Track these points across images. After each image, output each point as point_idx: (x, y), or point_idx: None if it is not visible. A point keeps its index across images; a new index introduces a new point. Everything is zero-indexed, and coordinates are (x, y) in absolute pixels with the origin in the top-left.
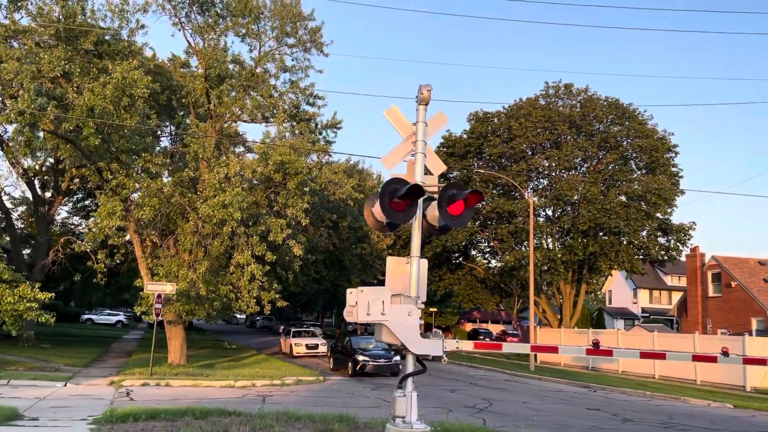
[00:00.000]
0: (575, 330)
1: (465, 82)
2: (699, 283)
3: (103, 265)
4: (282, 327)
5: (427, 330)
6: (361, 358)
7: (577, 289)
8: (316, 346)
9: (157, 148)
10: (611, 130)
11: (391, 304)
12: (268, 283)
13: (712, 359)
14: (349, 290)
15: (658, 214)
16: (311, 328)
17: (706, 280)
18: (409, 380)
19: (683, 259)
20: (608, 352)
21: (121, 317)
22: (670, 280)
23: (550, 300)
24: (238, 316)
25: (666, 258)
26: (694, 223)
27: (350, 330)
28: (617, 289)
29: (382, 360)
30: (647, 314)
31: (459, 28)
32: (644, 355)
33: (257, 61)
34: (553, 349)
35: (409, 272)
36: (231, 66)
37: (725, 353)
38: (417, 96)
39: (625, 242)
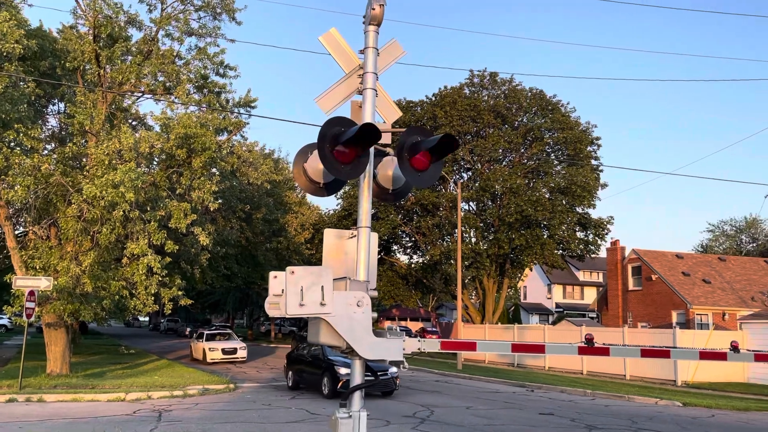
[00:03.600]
0: (500, 326)
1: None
2: (620, 277)
3: None
4: (189, 329)
5: None
6: (343, 371)
7: (499, 284)
8: (234, 351)
9: (39, 121)
10: (535, 122)
11: (333, 290)
12: (170, 279)
13: (721, 356)
14: (273, 274)
15: (579, 208)
16: (227, 330)
17: (626, 274)
18: (357, 395)
19: (601, 254)
20: (604, 351)
21: (5, 320)
22: (582, 276)
23: (470, 295)
24: (141, 318)
25: (585, 252)
26: (611, 217)
27: (263, 332)
28: (532, 284)
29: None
30: (561, 309)
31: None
32: (646, 353)
33: (158, 23)
34: (539, 349)
35: (354, 249)
36: (127, 28)
37: (735, 348)
38: (365, 14)
39: (545, 236)
